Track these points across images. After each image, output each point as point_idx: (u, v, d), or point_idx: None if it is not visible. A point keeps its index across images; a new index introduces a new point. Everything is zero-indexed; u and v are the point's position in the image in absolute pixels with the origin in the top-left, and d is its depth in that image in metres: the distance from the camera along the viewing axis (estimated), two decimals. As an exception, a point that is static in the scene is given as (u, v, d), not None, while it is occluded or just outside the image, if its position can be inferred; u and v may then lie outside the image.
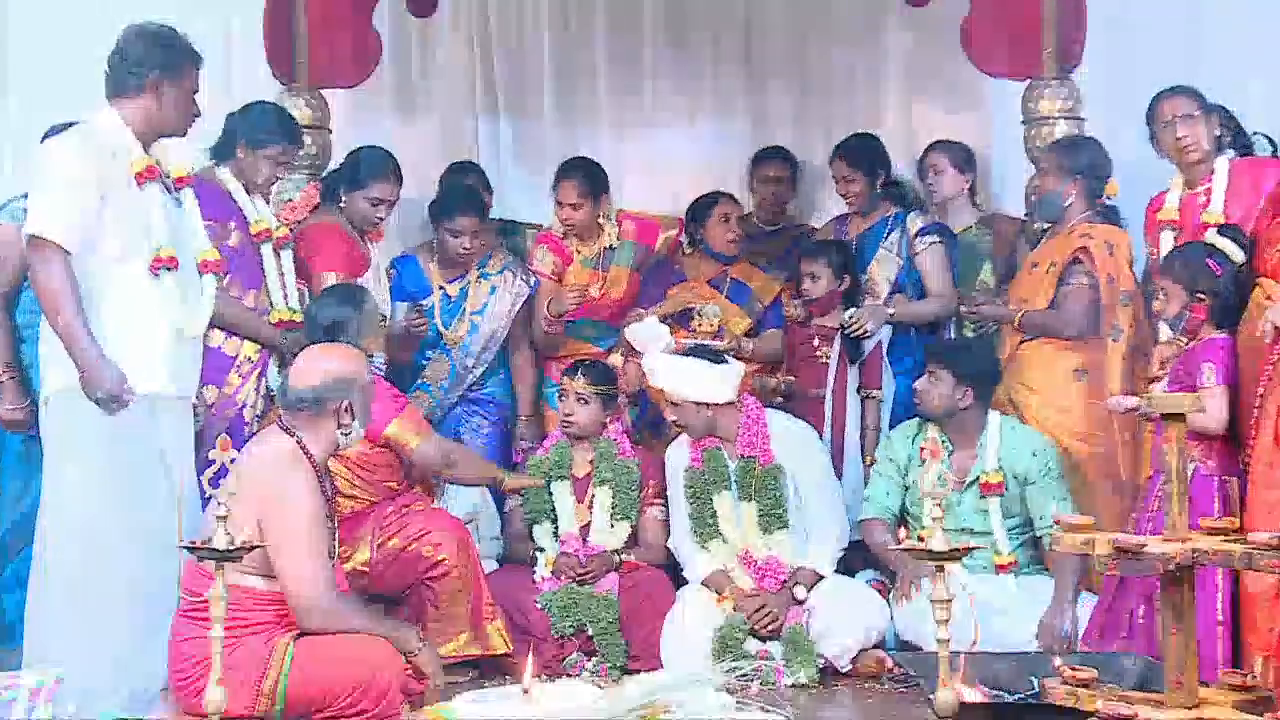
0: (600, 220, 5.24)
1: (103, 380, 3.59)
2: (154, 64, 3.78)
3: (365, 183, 4.76)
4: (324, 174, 5.05)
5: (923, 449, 4.50)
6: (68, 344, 3.59)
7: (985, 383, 4.47)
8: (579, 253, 5.27)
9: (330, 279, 4.58)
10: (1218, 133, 4.24)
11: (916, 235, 5.09)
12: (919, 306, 5.08)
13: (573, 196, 5.16)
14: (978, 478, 4.41)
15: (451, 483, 4.54)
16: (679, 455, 4.64)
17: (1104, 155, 4.68)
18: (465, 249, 4.99)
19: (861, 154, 5.22)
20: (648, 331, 4.74)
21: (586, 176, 5.18)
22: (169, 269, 3.75)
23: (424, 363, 5.08)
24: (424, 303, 5.03)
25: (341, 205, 4.79)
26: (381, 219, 4.85)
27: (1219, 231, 4.06)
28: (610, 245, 5.26)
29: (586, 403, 4.69)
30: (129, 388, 3.64)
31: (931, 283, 5.08)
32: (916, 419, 4.60)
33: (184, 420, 3.92)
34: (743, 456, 4.54)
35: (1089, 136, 4.86)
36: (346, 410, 3.55)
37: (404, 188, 5.79)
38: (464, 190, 5.18)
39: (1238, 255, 3.99)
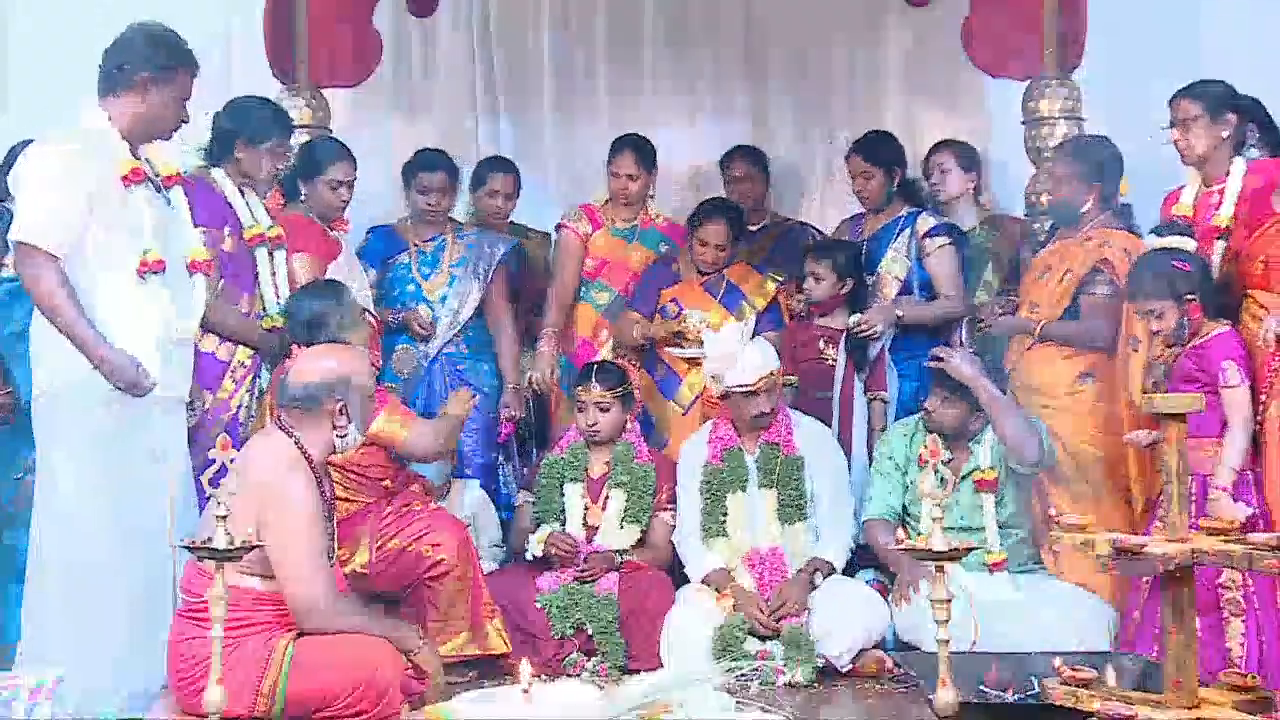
0: (649, 195, 5.40)
1: (120, 370, 3.62)
2: (144, 63, 3.76)
3: (323, 168, 4.76)
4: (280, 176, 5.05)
5: (922, 456, 4.50)
6: (77, 345, 3.60)
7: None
8: (613, 223, 5.35)
9: (302, 261, 4.57)
10: (1227, 133, 4.18)
11: (926, 235, 5.04)
12: (927, 309, 5.03)
13: (630, 167, 5.29)
14: (971, 472, 4.42)
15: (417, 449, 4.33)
16: (695, 451, 4.64)
17: (1117, 154, 4.60)
18: (430, 205, 5.12)
19: (879, 150, 5.19)
20: (729, 339, 4.61)
21: (643, 149, 5.33)
22: (155, 272, 3.74)
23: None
24: (398, 257, 5.14)
25: (303, 198, 4.78)
26: (345, 201, 4.84)
27: (1155, 233, 4.13)
28: (653, 216, 5.41)
29: (607, 410, 4.69)
30: (145, 371, 3.66)
31: (941, 284, 5.02)
32: (914, 417, 4.60)
33: (175, 419, 3.90)
34: (766, 443, 4.55)
35: (1101, 136, 4.75)
36: (341, 412, 3.54)
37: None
38: (433, 151, 5.29)
39: (1189, 244, 4.03)
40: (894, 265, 5.08)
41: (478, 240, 5.23)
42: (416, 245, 5.17)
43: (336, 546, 3.65)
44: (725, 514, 4.51)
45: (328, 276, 4.55)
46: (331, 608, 3.39)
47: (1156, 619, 3.95)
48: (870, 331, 4.87)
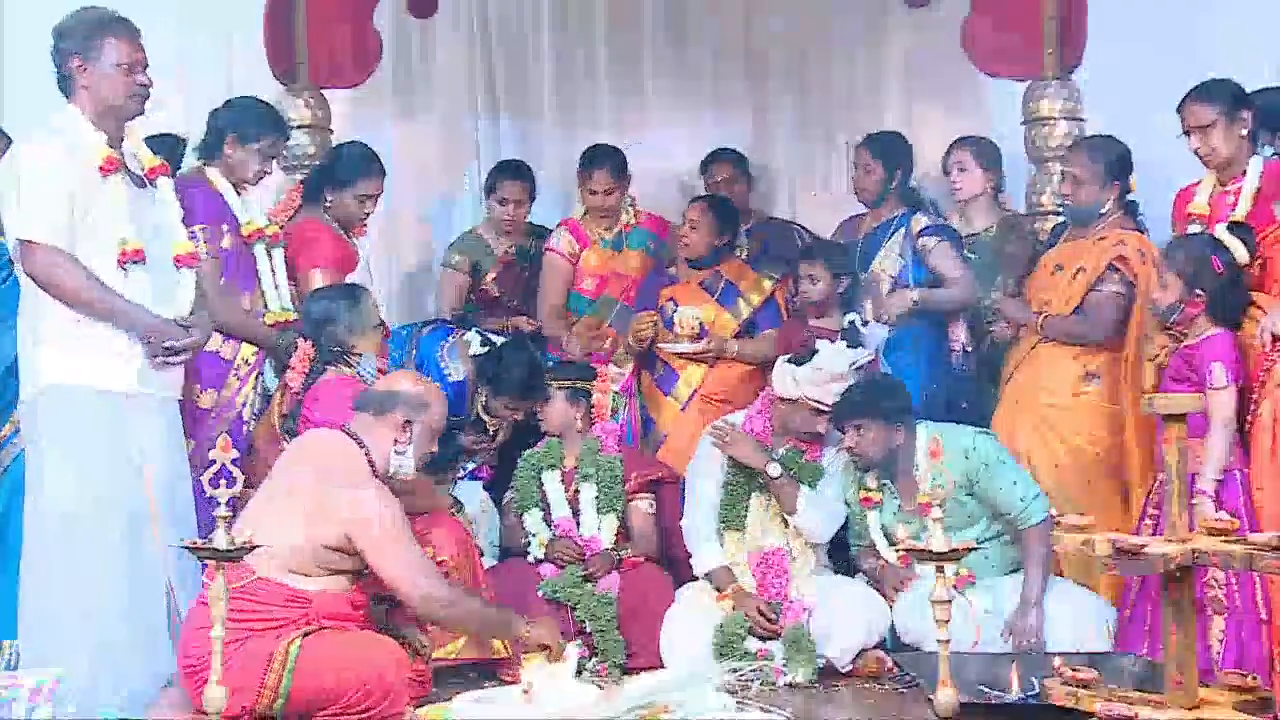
0: (628, 202, 5.46)
1: (163, 335, 3.70)
2: (72, 47, 3.73)
3: (352, 181, 4.74)
4: (302, 175, 5.04)
5: (867, 498, 4.44)
6: (119, 323, 3.65)
7: (910, 413, 4.37)
8: (601, 237, 5.39)
9: (318, 276, 4.58)
10: (1245, 132, 4.11)
11: (920, 235, 5.06)
12: (940, 294, 5.02)
13: (606, 183, 5.33)
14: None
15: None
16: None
17: (1128, 151, 4.56)
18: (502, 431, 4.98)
19: (885, 147, 5.20)
20: (842, 362, 4.50)
21: (616, 164, 5.37)
22: (135, 262, 3.72)
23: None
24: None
25: (328, 204, 4.77)
26: (368, 214, 4.85)
27: (1229, 228, 4.01)
28: (631, 222, 5.44)
29: (548, 398, 4.74)
30: (186, 329, 3.77)
31: (947, 274, 5.02)
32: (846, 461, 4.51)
33: (160, 419, 3.83)
34: (792, 447, 4.53)
35: (1108, 135, 4.70)
36: (405, 427, 3.65)
37: (405, 189, 5.83)
38: (523, 377, 4.87)
39: (1243, 256, 3.95)
40: (887, 263, 5.09)
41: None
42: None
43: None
44: (747, 509, 4.50)
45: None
46: (452, 596, 3.54)
47: (1146, 616, 3.97)
48: (890, 319, 4.96)
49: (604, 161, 5.35)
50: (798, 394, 4.47)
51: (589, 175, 5.36)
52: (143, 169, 3.90)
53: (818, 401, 4.45)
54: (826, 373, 4.44)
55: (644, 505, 4.70)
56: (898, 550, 4.05)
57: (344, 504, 3.45)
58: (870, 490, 4.43)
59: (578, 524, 4.64)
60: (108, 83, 3.74)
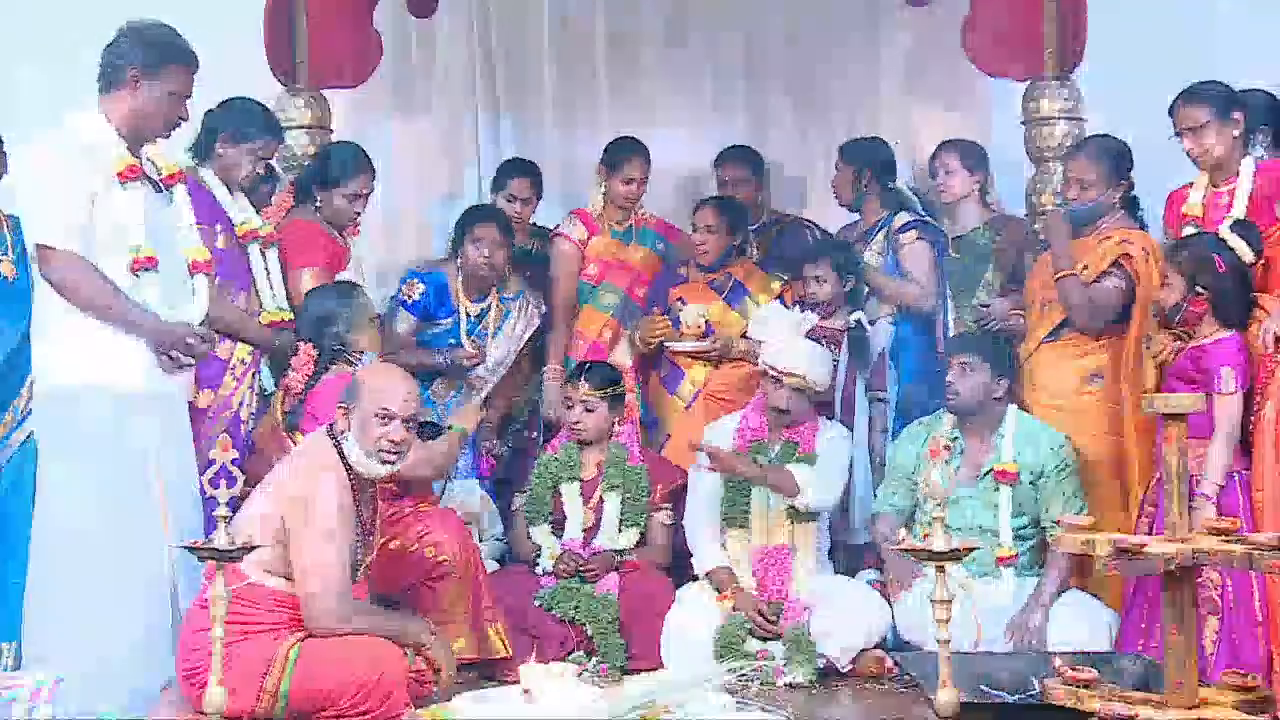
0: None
1: (173, 338, 3.69)
2: (135, 59, 3.73)
3: (341, 180, 4.74)
4: (296, 175, 5.04)
5: (933, 449, 4.45)
6: (131, 330, 3.65)
7: (1014, 376, 4.46)
8: (609, 226, 5.40)
9: (309, 275, 4.58)
10: (1237, 133, 4.13)
11: (899, 230, 5.13)
12: (897, 283, 5.11)
13: (642, 171, 5.36)
14: (992, 469, 4.35)
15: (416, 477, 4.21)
16: (720, 438, 4.59)
17: (1129, 149, 4.55)
18: (485, 258, 5.03)
19: (848, 149, 5.38)
20: (779, 320, 4.65)
21: (646, 154, 5.40)
22: (148, 269, 3.72)
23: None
24: (443, 321, 5.08)
25: (318, 204, 4.77)
26: (359, 213, 4.85)
27: (1233, 227, 4.00)
28: (643, 216, 5.47)
29: (592, 410, 4.69)
30: (203, 333, 3.78)
31: (910, 270, 5.10)
32: (927, 419, 4.57)
33: (168, 420, 3.84)
34: (787, 441, 4.54)
35: (1107, 135, 4.68)
36: (344, 415, 3.58)
37: (405, 189, 5.81)
38: (489, 207, 5.30)
39: (1247, 255, 3.95)
40: (871, 261, 5.17)
41: (515, 306, 5.19)
42: (467, 314, 5.12)
43: (368, 561, 3.66)
44: (748, 505, 4.50)
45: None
46: (343, 613, 3.41)
47: (1141, 617, 3.97)
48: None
49: (638, 151, 5.37)
50: (761, 365, 4.58)
51: (624, 163, 5.34)
52: (159, 175, 3.91)
53: (768, 366, 4.51)
54: (773, 332, 4.58)
55: (664, 518, 4.69)
56: (903, 543, 4.07)
57: (290, 484, 3.44)
58: (943, 438, 4.45)
59: (596, 532, 4.61)
60: (154, 105, 3.76)
